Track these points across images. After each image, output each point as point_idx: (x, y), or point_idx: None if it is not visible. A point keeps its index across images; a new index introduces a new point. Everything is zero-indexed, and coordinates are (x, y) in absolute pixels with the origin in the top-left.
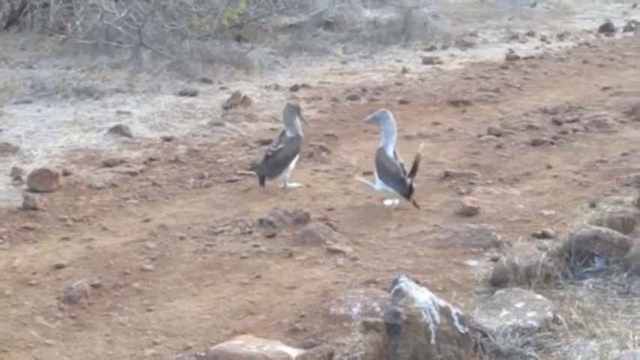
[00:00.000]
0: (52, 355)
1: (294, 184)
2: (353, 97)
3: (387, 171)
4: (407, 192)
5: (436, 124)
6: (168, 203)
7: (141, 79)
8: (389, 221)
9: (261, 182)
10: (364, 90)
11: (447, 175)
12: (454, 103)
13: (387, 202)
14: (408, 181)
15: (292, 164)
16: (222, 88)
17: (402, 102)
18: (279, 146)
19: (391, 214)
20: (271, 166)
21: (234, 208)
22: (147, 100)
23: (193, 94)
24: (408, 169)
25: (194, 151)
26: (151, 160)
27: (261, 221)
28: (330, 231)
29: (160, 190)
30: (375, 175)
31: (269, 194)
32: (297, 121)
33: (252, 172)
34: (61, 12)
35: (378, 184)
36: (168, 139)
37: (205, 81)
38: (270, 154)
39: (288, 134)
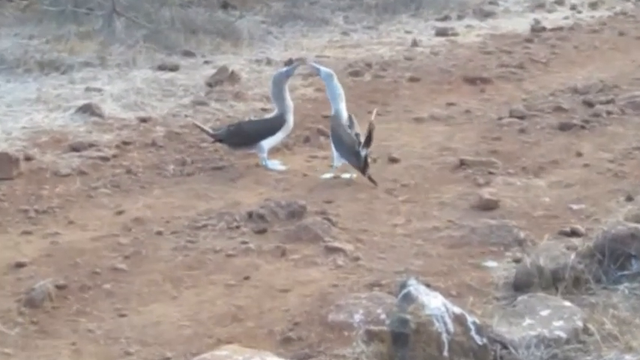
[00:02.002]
0: None
1: (278, 165)
2: (355, 74)
3: (342, 142)
4: (362, 166)
5: (450, 104)
6: (145, 193)
7: (114, 51)
8: (396, 216)
9: (209, 136)
10: (368, 65)
11: (462, 164)
12: (471, 81)
13: (345, 176)
14: (363, 153)
15: (266, 143)
16: (207, 62)
17: (412, 79)
18: (252, 119)
19: (399, 207)
20: (232, 134)
21: (220, 200)
22: (120, 76)
23: (173, 68)
24: (362, 139)
25: (174, 134)
26: (125, 143)
27: (250, 214)
28: (329, 226)
29: (135, 178)
30: (332, 147)
31: (260, 184)
32: (287, 97)
33: (208, 131)
34: None
35: (336, 158)
36: (144, 120)
37: (187, 54)
38: (241, 121)
39: (275, 112)
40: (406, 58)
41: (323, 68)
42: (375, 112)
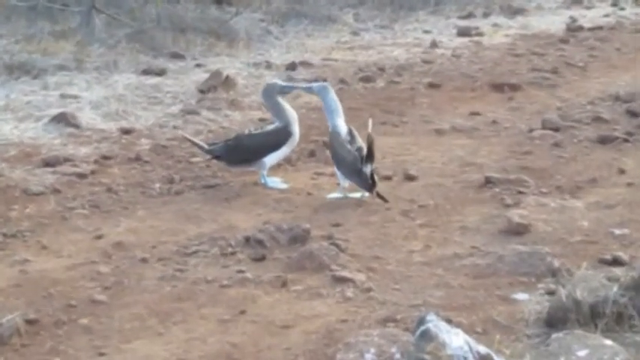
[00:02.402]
0: None
1: (279, 183)
2: (367, 79)
3: (343, 161)
4: (366, 183)
5: (475, 114)
6: (127, 215)
7: (92, 53)
8: (413, 241)
9: (203, 151)
10: (381, 69)
11: (488, 182)
12: (498, 88)
13: (355, 195)
14: (367, 170)
15: (269, 160)
16: (198, 66)
17: (431, 85)
18: (253, 132)
19: (416, 231)
20: (231, 150)
21: (213, 222)
22: (100, 81)
23: (160, 72)
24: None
25: (161, 148)
26: (105, 158)
27: (247, 239)
28: (337, 253)
29: (117, 197)
30: (334, 166)
31: (258, 204)
32: (287, 107)
33: (202, 146)
34: None
35: (340, 178)
36: (127, 132)
37: (176, 56)
38: (239, 135)
39: (276, 124)
40: (424, 62)
41: (315, 84)
42: (370, 122)
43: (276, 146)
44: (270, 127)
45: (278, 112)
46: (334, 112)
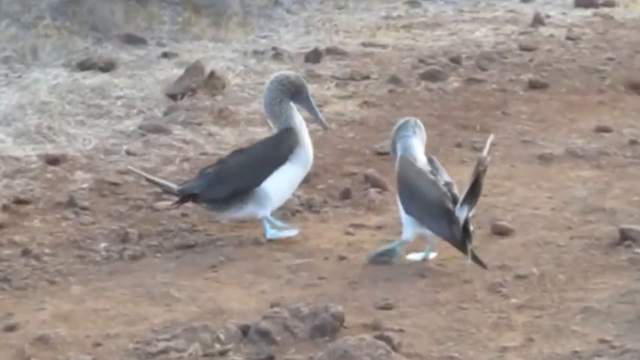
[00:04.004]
0: None
1: (287, 229)
2: (432, 76)
3: (420, 194)
4: (458, 236)
5: (603, 130)
6: (55, 293)
7: None
8: (506, 332)
9: (177, 203)
10: (455, 61)
11: (625, 238)
12: (639, 89)
13: (415, 257)
14: (462, 214)
15: (273, 186)
16: (166, 56)
17: (534, 85)
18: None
19: (512, 317)
20: (210, 180)
21: (191, 303)
22: (11, 80)
23: (106, 67)
24: (460, 192)
25: (108, 186)
26: (20, 202)
27: (245, 331)
28: (387, 353)
29: (39, 265)
30: (399, 204)
31: (261, 274)
32: (295, 113)
33: (167, 186)
34: None
35: (407, 225)
36: (54, 161)
37: (131, 40)
38: (220, 158)
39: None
40: (523, 48)
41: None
42: (489, 141)
43: (277, 161)
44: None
45: (278, 113)
46: (408, 134)
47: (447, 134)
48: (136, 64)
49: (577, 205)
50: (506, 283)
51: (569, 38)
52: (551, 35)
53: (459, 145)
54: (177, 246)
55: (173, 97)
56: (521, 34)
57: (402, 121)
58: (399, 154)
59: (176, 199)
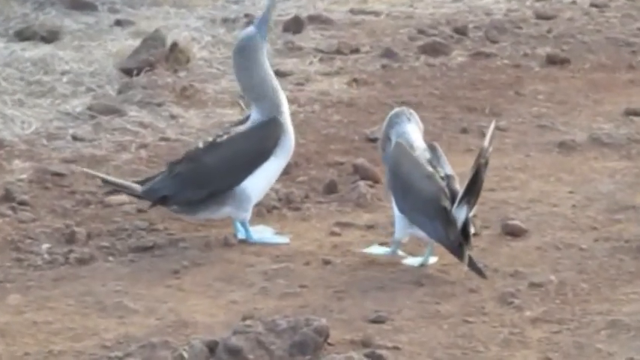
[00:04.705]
0: None
1: (272, 235)
2: (433, 49)
3: (413, 189)
4: (454, 240)
5: (632, 113)
6: None
7: None
8: (519, 350)
9: (150, 206)
10: (460, 32)
11: None
12: None
13: (412, 261)
14: (460, 214)
15: (253, 185)
16: (120, 24)
17: (552, 61)
18: (222, 137)
19: (525, 333)
20: (183, 179)
21: (150, 315)
22: None
23: (49, 37)
24: (459, 186)
25: (51, 177)
26: None
27: (211, 348)
28: None
29: None
30: (392, 201)
31: (232, 281)
32: (274, 81)
33: (128, 187)
34: None
35: (400, 224)
36: None
37: (78, 5)
38: (192, 152)
39: (254, 117)
40: (539, 16)
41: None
42: (492, 127)
43: (261, 156)
44: (244, 126)
45: (256, 87)
46: (401, 120)
47: (451, 118)
48: (84, 33)
49: (603, 202)
50: (520, 293)
51: (594, 5)
52: (573, 1)
53: (464, 131)
54: (133, 248)
55: (128, 72)
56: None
57: (392, 112)
58: (393, 140)
59: (141, 201)
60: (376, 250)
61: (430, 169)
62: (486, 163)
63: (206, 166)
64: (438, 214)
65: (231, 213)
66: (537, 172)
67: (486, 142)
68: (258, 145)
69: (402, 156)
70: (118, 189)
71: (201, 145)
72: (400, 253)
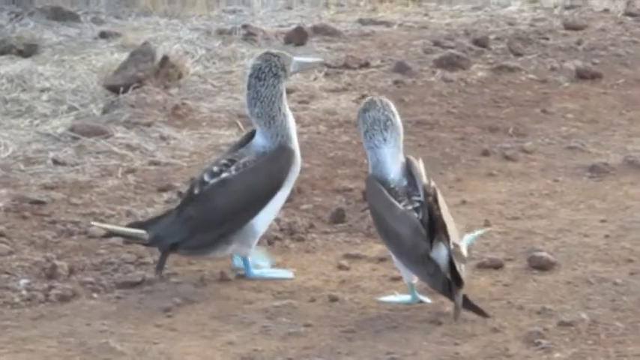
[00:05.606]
0: None
1: (274, 270)
2: (450, 63)
3: (392, 234)
4: (440, 282)
5: None
6: None
7: None
8: None
9: (160, 267)
10: (480, 44)
11: None
12: None
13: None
14: (441, 254)
15: (262, 221)
16: (105, 36)
17: (582, 75)
18: (230, 172)
19: None
20: (199, 224)
21: (137, 358)
22: None
23: (27, 51)
24: (439, 198)
25: (30, 205)
26: None
27: None
28: None
29: None
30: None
31: (229, 321)
32: (286, 111)
33: (132, 235)
34: None
35: (400, 268)
36: None
37: (60, 16)
38: (198, 189)
39: (260, 142)
40: (568, 26)
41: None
42: (420, 162)
43: (274, 190)
44: (251, 156)
45: (270, 112)
46: (377, 142)
47: (471, 139)
48: (65, 46)
49: (639, 232)
50: (547, 333)
51: (628, 14)
52: (605, 10)
53: (485, 154)
54: (120, 283)
55: (114, 89)
56: (567, 8)
57: (364, 127)
58: (369, 171)
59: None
60: (395, 299)
61: (403, 205)
62: (435, 200)
63: (218, 208)
64: (418, 258)
65: (236, 249)
66: (566, 198)
67: (424, 178)
68: (270, 179)
69: (373, 195)
70: (126, 240)
71: (206, 177)
72: (421, 297)
